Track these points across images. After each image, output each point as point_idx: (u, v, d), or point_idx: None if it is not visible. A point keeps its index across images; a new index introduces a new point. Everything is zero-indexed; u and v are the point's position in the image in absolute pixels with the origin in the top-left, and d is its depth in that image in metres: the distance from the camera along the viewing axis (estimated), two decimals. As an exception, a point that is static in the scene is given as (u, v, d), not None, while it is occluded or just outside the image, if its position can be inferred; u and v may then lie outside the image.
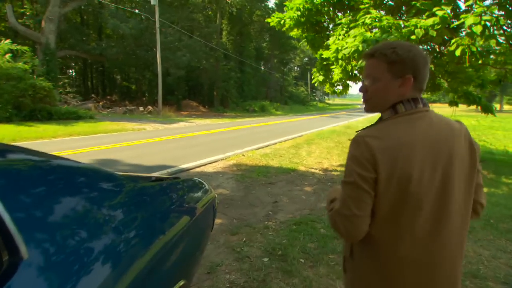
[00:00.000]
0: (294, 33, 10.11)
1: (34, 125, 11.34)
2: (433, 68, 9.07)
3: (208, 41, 27.65)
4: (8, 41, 12.61)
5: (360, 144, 0.95)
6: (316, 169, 6.57)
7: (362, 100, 1.11)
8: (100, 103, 23.68)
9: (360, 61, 6.36)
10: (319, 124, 17.94)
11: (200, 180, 2.04)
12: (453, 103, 9.60)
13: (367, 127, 1.03)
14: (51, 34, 18.21)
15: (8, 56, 11.87)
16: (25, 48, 13.05)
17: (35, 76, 13.92)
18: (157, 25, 19.64)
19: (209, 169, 6.12)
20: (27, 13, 23.04)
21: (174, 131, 12.26)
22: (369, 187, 0.93)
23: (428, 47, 9.13)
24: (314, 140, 10.79)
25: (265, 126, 16.25)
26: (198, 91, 33.64)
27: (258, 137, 11.24)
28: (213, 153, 7.51)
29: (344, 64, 7.11)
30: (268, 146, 9.23)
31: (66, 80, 30.50)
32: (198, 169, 6.05)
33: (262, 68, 41.52)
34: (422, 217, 0.94)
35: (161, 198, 1.54)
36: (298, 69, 63.58)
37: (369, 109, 1.09)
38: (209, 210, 1.92)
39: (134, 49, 23.78)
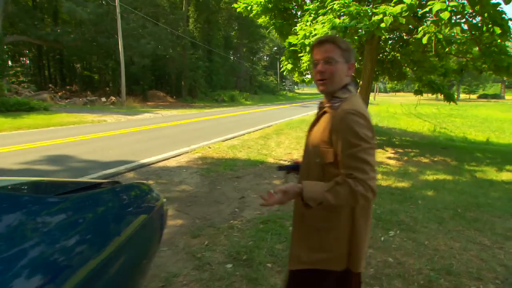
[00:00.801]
0: (262, 20, 9.80)
1: (-23, 118, 10.26)
2: (399, 57, 9.15)
3: (174, 29, 26.54)
4: None
5: (362, 115, 1.13)
6: (286, 160, 6.38)
7: (319, 80, 1.22)
8: (59, 94, 22.11)
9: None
10: (289, 114, 17.86)
11: (146, 183, 1.72)
12: (418, 92, 9.77)
13: (341, 103, 1.18)
14: (-3, 17, 16.60)
15: None
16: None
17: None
18: (118, 10, 18.46)
19: (172, 163, 5.73)
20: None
21: (137, 122, 11.61)
22: None
23: (395, 36, 9.18)
24: (283, 130, 10.63)
25: (234, 116, 15.90)
26: (166, 81, 32.46)
27: (226, 127, 10.90)
28: (177, 146, 7.10)
29: (312, 51, 6.91)
30: (236, 137, 8.93)
31: (18, 69, 28.23)
32: (160, 164, 5.64)
33: (231, 57, 40.82)
34: None
35: (95, 209, 1.24)
36: (268, 58, 63.28)
37: (326, 88, 1.22)
38: (155, 219, 1.62)
39: (94, 36, 22.31)
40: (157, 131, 9.53)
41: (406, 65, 9.20)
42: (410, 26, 7.05)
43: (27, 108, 12.59)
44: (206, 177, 4.97)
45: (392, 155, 7.41)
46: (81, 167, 5.19)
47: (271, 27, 10.27)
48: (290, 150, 7.38)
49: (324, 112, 1.24)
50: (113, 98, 21.03)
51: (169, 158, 6.05)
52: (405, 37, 8.22)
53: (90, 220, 1.14)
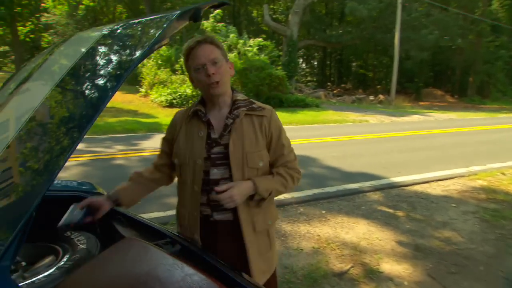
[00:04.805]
0: None
1: (267, 111, 12.46)
2: None
3: (468, 12, 21.85)
4: (260, 39, 14.46)
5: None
6: None
7: (212, 84, 1.10)
8: (334, 92, 24.06)
9: None
10: None
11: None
12: None
13: (255, 103, 1.20)
14: (295, 26, 19.67)
15: (255, 49, 13.57)
16: (267, 42, 14.57)
17: (279, 67, 15.39)
18: (399, 0, 17.19)
19: (435, 189, 4.02)
20: (280, 9, 26.46)
21: (401, 126, 10.09)
22: None
23: None
24: None
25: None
26: (447, 77, 28.05)
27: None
28: (448, 164, 5.14)
29: None
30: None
31: (307, 70, 33.47)
32: (417, 187, 4.09)
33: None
34: None
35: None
36: None
37: (221, 90, 1.13)
38: None
39: (372, 33, 22.22)
40: (423, 139, 7.68)
41: None
42: None
43: (302, 104, 14.10)
44: (491, 225, 3.01)
45: None
46: (322, 174, 4.58)
47: None
48: None
49: (236, 117, 1.15)
50: (381, 96, 20.25)
51: (432, 181, 4.35)
52: None
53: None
